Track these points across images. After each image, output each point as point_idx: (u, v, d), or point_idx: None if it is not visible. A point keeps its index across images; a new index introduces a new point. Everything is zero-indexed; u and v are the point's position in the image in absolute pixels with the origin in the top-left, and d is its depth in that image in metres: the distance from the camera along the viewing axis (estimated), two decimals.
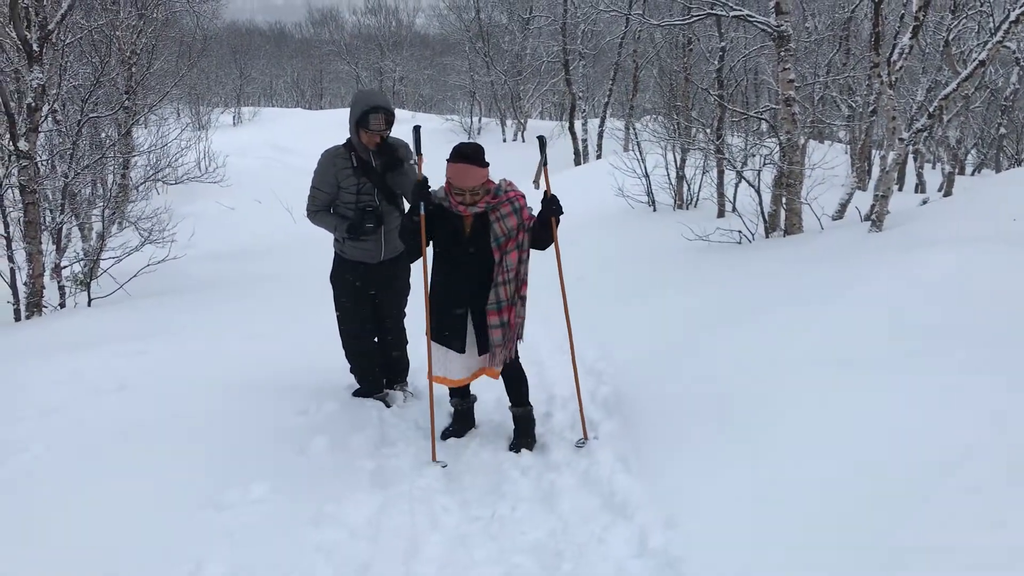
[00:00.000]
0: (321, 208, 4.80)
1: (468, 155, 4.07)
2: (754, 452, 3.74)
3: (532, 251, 4.37)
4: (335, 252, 4.93)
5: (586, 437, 4.43)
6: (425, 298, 4.35)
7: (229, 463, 4.04)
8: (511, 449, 4.44)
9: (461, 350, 4.34)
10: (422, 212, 4.19)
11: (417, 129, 4.39)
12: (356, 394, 5.11)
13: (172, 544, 3.34)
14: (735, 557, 3.08)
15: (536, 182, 3.95)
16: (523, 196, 4.27)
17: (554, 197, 4.24)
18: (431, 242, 4.32)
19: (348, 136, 4.73)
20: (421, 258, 4.31)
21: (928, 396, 3.62)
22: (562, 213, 4.28)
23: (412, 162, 4.39)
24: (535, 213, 4.28)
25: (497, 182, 4.22)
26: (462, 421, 4.70)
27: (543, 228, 4.26)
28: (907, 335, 4.26)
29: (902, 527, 2.89)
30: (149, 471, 3.90)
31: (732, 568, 3.03)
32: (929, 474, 3.09)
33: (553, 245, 4.34)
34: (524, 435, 4.50)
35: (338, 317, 5.02)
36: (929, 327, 4.31)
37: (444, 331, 4.34)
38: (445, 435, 4.59)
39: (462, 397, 4.68)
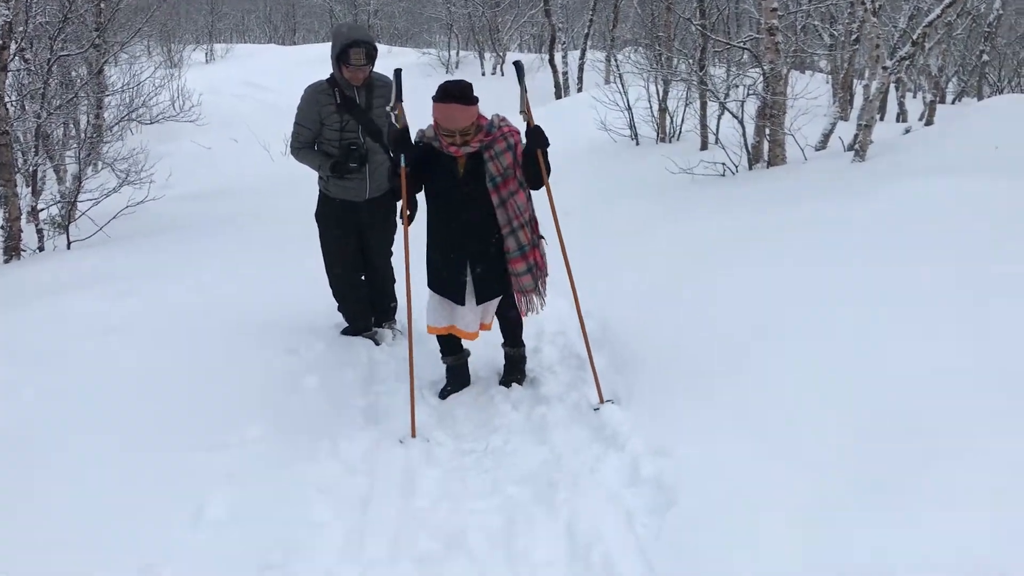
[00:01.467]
0: (304, 145, 4.73)
1: (455, 94, 3.81)
2: (743, 382, 3.79)
3: None
4: (320, 190, 4.88)
5: (602, 400, 4.12)
6: (405, 250, 4.11)
7: (222, 404, 4.06)
8: (501, 383, 4.45)
9: (461, 302, 4.15)
10: (403, 165, 3.97)
11: (398, 73, 4.17)
12: (344, 332, 5.12)
13: (172, 485, 3.37)
14: (726, 483, 3.15)
15: (523, 113, 3.68)
16: (518, 132, 4.04)
17: (538, 128, 3.99)
18: (423, 187, 4.13)
19: (331, 72, 4.64)
20: (410, 213, 4.09)
21: (914, 324, 3.67)
22: (548, 145, 4.02)
23: (390, 108, 4.22)
24: None
25: (489, 118, 3.99)
26: (458, 378, 4.51)
27: (530, 163, 4.01)
28: (893, 266, 4.29)
29: (891, 454, 2.95)
30: (143, 414, 3.91)
31: (723, 493, 3.09)
32: (919, 403, 3.15)
33: (549, 203, 4.11)
34: (515, 371, 4.49)
35: (324, 256, 4.99)
36: (913, 255, 4.35)
37: (444, 281, 4.17)
38: (444, 394, 4.42)
39: (455, 353, 4.46)
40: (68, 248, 8.43)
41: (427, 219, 4.15)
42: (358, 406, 4.19)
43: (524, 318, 4.34)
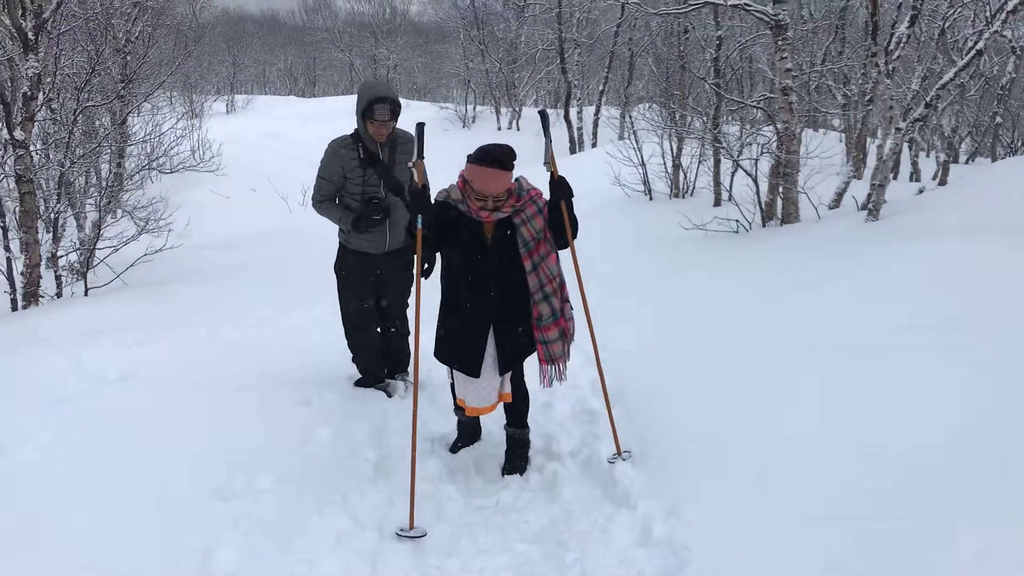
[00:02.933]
0: (326, 198, 4.78)
1: (499, 159, 3.60)
2: (753, 439, 3.78)
3: None
4: (340, 242, 4.93)
5: (619, 452, 4.03)
6: (417, 309, 3.94)
7: (234, 454, 4.06)
8: (503, 472, 4.13)
9: (476, 374, 3.92)
10: (419, 227, 3.74)
11: (420, 128, 3.96)
12: (358, 384, 5.13)
13: (181, 534, 3.36)
14: (738, 544, 3.12)
15: (546, 164, 3.51)
16: (541, 193, 3.89)
17: (562, 179, 3.84)
18: (440, 249, 3.93)
19: (356, 127, 4.73)
20: (428, 266, 3.99)
21: (926, 384, 3.65)
22: (572, 195, 3.87)
23: (411, 164, 4.21)
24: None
25: (516, 181, 3.81)
26: (469, 434, 4.40)
27: (555, 217, 3.84)
28: (905, 324, 4.29)
29: (901, 512, 2.92)
30: (155, 462, 3.91)
31: (736, 554, 3.07)
32: (929, 460, 3.13)
33: (571, 255, 3.95)
34: (519, 458, 4.18)
35: (341, 306, 5.02)
36: (927, 317, 4.34)
37: (460, 351, 3.95)
38: (455, 449, 4.33)
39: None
40: (86, 295, 8.50)
41: (443, 284, 3.96)
42: (369, 459, 4.18)
43: (546, 387, 4.09)
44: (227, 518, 3.51)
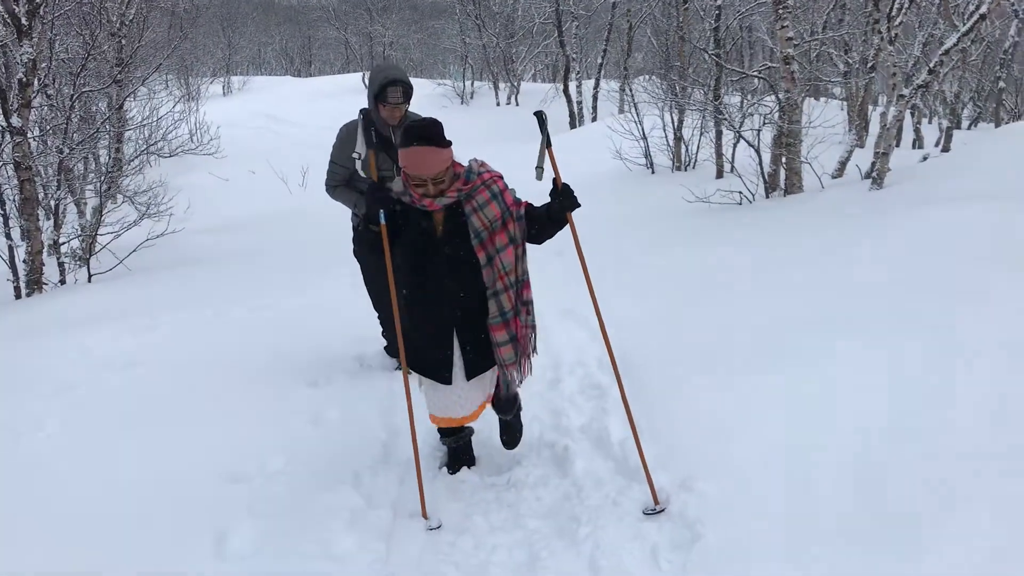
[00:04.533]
0: (340, 183, 4.72)
1: (424, 134, 3.24)
2: (762, 412, 3.78)
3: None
4: (353, 226, 4.88)
5: (657, 502, 3.42)
6: (394, 301, 3.58)
7: (244, 436, 4.07)
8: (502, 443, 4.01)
9: (447, 380, 3.57)
10: (383, 221, 3.41)
11: (364, 113, 3.76)
12: (387, 350, 5.18)
13: (194, 517, 3.38)
14: (751, 518, 3.12)
15: (539, 168, 3.27)
16: (500, 176, 3.47)
17: (567, 188, 3.46)
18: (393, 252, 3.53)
19: (366, 108, 4.63)
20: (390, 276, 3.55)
21: (929, 355, 3.65)
22: (579, 206, 3.49)
23: (356, 154, 4.17)
24: (519, 197, 3.51)
25: (466, 163, 3.43)
26: (461, 459, 4.00)
27: (553, 226, 3.50)
28: (909, 293, 4.28)
29: (911, 486, 2.93)
30: (165, 446, 3.93)
31: (748, 528, 3.07)
32: (935, 432, 3.13)
33: (573, 239, 3.62)
34: (514, 431, 4.02)
35: (368, 289, 5.00)
36: (931, 285, 4.34)
37: (427, 360, 3.59)
38: (451, 470, 3.97)
39: (454, 434, 3.92)
40: (89, 281, 8.50)
41: (398, 288, 3.60)
42: (380, 439, 4.18)
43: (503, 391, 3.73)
44: (240, 500, 3.52)
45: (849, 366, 3.85)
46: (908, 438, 3.20)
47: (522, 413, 4.06)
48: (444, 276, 3.44)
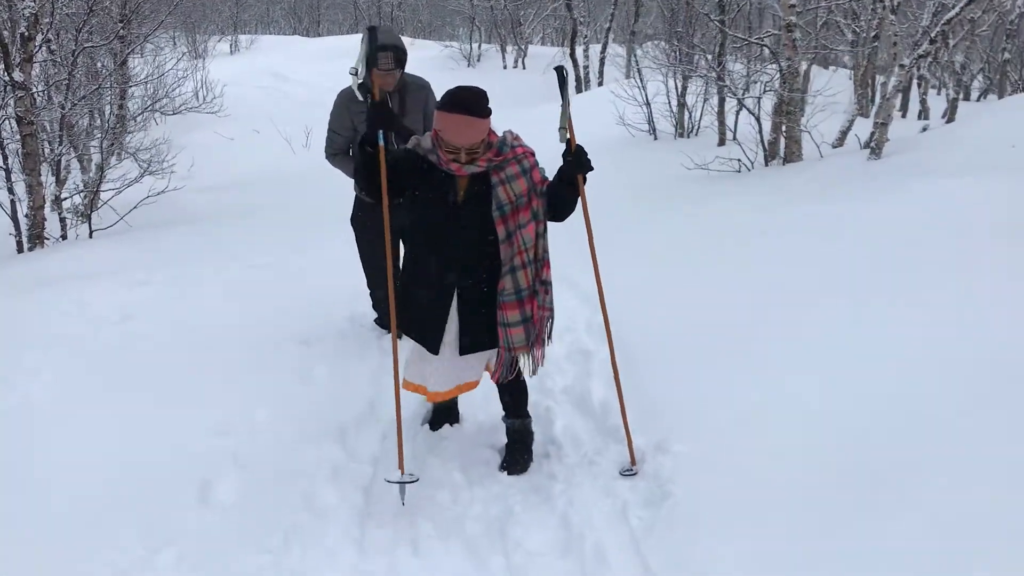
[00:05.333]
0: (339, 151, 4.65)
1: (468, 104, 3.14)
2: (743, 378, 3.86)
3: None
4: (355, 194, 4.82)
5: (634, 463, 3.49)
6: (388, 251, 3.43)
7: (233, 391, 4.16)
8: (502, 468, 3.66)
9: (435, 350, 3.46)
10: (380, 142, 3.28)
11: (371, 31, 3.50)
12: (378, 323, 5.18)
13: (179, 467, 3.48)
14: (720, 477, 3.22)
15: (563, 129, 3.11)
16: (532, 153, 3.37)
17: (580, 150, 3.32)
18: (401, 200, 3.41)
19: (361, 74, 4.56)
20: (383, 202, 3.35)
21: (916, 326, 3.70)
22: (591, 169, 3.34)
23: (352, 70, 3.95)
24: (548, 175, 3.39)
25: (500, 134, 3.32)
26: (443, 417, 4.00)
27: (566, 189, 3.34)
28: (898, 264, 4.33)
29: (886, 450, 3.00)
30: (154, 398, 4.03)
31: (717, 487, 3.16)
32: (916, 401, 3.19)
33: (581, 203, 3.42)
34: (521, 451, 3.72)
35: (361, 256, 4.96)
36: (920, 256, 4.38)
37: (419, 323, 3.49)
38: (433, 427, 3.99)
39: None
40: (90, 237, 8.57)
41: (406, 246, 3.58)
42: (365, 396, 4.27)
43: (494, 381, 3.60)
44: (226, 451, 3.62)
45: (827, 334, 3.91)
46: (883, 405, 3.27)
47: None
48: (455, 241, 3.35)
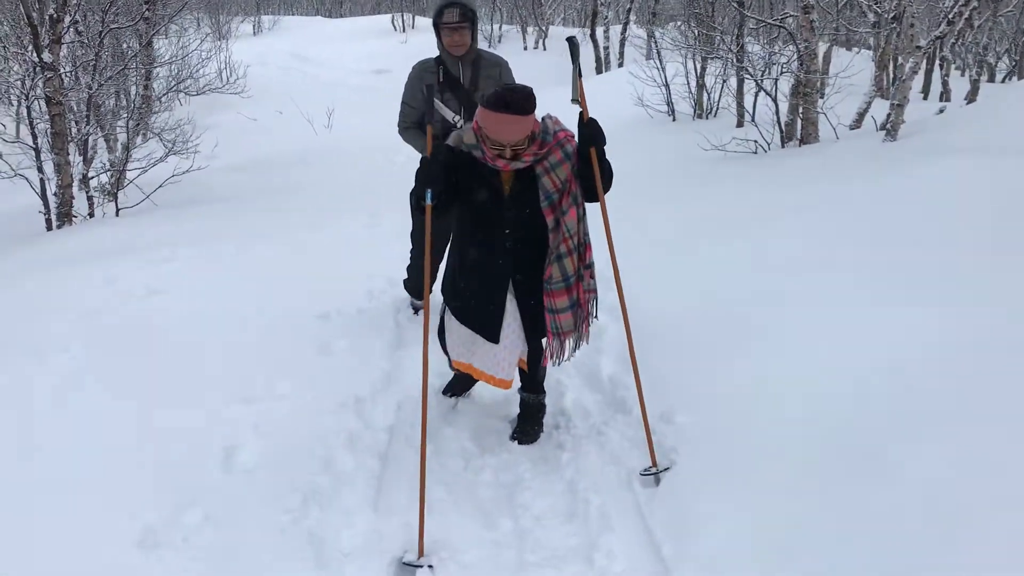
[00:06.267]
0: (412, 125, 4.52)
1: (516, 105, 3.08)
2: (752, 354, 3.93)
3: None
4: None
5: (655, 465, 3.41)
6: (428, 264, 3.41)
7: (255, 362, 4.31)
8: (513, 438, 3.81)
9: (496, 339, 3.50)
10: (429, 203, 3.24)
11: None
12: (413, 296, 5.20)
13: (205, 433, 3.63)
14: (722, 447, 3.33)
15: (575, 101, 3.26)
16: (573, 136, 3.34)
17: (592, 122, 3.31)
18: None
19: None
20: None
21: (928, 307, 3.76)
22: (604, 142, 3.35)
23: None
24: None
25: (541, 121, 3.28)
26: (464, 384, 4.15)
27: (584, 166, 3.32)
28: (899, 241, 4.39)
29: (890, 429, 3.08)
30: (179, 368, 4.18)
31: (719, 456, 3.28)
32: (922, 381, 3.25)
33: (594, 175, 3.35)
34: (532, 423, 3.84)
35: (413, 233, 4.93)
36: (931, 238, 4.43)
37: (479, 315, 3.52)
38: (446, 391, 4.15)
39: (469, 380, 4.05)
40: (117, 215, 8.77)
41: (455, 238, 3.61)
42: (383, 368, 4.41)
43: (544, 365, 3.64)
44: (247, 419, 3.77)
45: (830, 310, 3.99)
46: (878, 381, 3.34)
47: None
48: (507, 237, 3.37)
